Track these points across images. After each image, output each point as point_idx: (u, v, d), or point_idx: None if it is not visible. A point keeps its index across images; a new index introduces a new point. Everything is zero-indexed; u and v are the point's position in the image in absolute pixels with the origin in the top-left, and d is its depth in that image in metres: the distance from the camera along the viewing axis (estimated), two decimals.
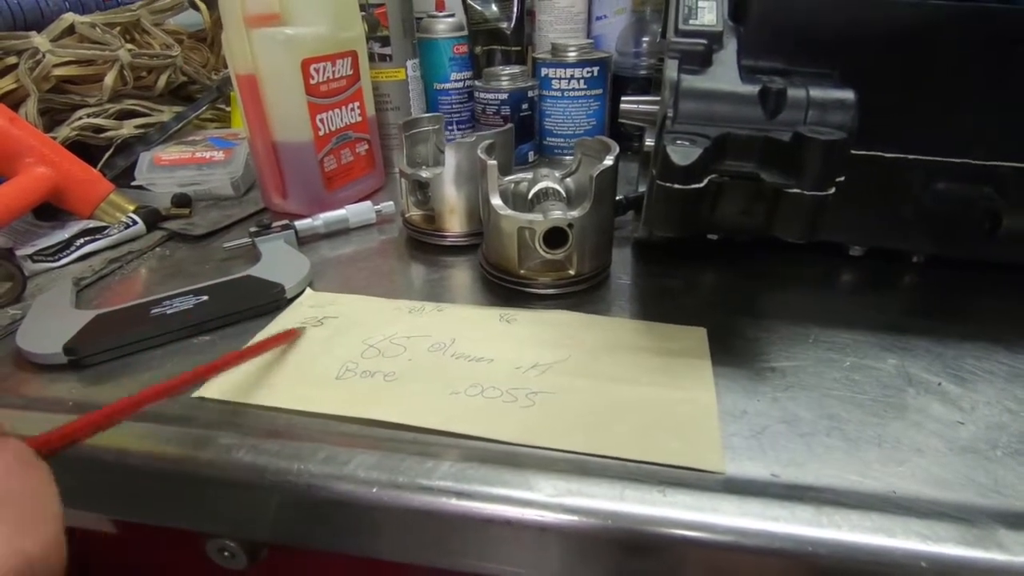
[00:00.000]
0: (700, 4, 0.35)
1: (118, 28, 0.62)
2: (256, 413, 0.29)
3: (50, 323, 0.35)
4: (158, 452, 0.27)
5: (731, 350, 0.33)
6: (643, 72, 0.64)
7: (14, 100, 0.56)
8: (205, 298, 0.37)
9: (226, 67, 0.59)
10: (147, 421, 0.29)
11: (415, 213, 0.48)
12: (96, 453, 0.27)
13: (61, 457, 0.19)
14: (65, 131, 0.57)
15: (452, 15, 0.64)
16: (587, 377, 0.30)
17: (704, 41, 0.33)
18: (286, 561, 0.33)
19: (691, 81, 0.32)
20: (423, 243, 0.47)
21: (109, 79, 0.59)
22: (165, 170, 0.57)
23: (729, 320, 0.35)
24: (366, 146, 0.56)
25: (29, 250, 0.46)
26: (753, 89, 0.31)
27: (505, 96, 0.60)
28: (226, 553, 0.31)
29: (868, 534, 0.21)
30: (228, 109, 0.73)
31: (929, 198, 0.37)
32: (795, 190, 0.28)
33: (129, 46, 0.62)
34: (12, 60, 0.55)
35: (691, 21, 0.34)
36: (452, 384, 0.30)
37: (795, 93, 0.31)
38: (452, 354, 0.32)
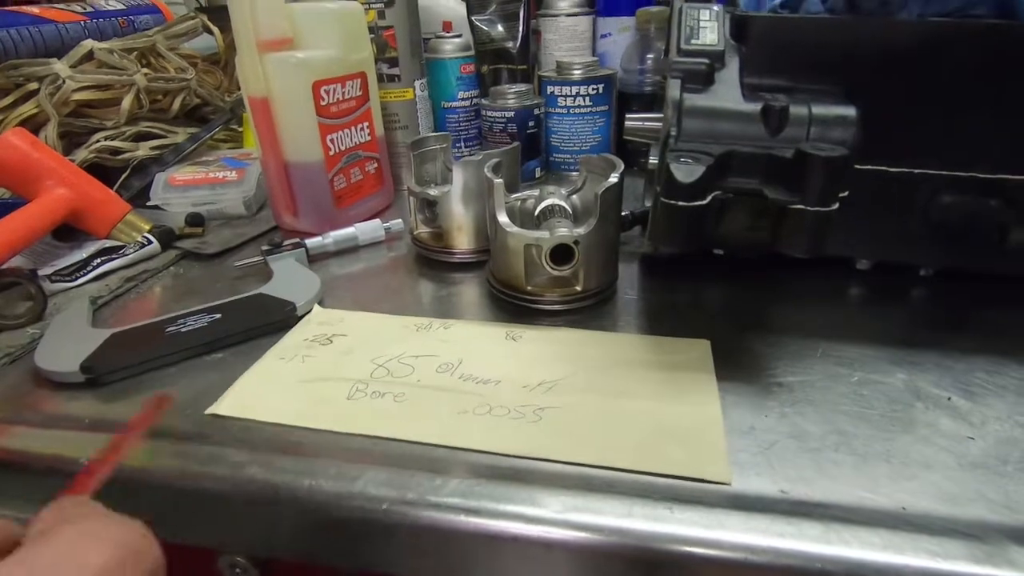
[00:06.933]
0: (702, 24, 0.36)
1: (135, 53, 0.64)
2: (267, 430, 0.29)
3: (67, 342, 0.36)
4: (170, 468, 0.28)
5: (738, 365, 0.33)
6: (648, 88, 0.65)
7: (35, 124, 0.57)
8: (218, 316, 0.38)
9: (239, 89, 0.61)
10: (160, 438, 0.29)
11: (423, 231, 0.48)
12: None
13: None
14: (83, 153, 0.58)
15: (459, 36, 0.65)
16: (592, 392, 0.30)
17: (706, 60, 0.34)
18: None
19: (693, 100, 0.32)
20: (431, 260, 0.47)
21: (126, 103, 0.61)
22: (179, 190, 0.58)
23: (736, 335, 0.35)
24: (375, 165, 0.57)
25: (48, 270, 0.48)
26: (755, 107, 0.32)
27: (512, 114, 0.61)
28: (237, 569, 0.31)
29: (877, 551, 0.21)
30: (241, 130, 0.74)
31: (936, 212, 0.37)
32: (799, 206, 0.28)
33: (145, 70, 0.64)
34: (33, 86, 0.57)
35: (693, 41, 0.35)
36: (461, 404, 0.30)
37: (797, 110, 0.31)
38: (460, 375, 0.32)
